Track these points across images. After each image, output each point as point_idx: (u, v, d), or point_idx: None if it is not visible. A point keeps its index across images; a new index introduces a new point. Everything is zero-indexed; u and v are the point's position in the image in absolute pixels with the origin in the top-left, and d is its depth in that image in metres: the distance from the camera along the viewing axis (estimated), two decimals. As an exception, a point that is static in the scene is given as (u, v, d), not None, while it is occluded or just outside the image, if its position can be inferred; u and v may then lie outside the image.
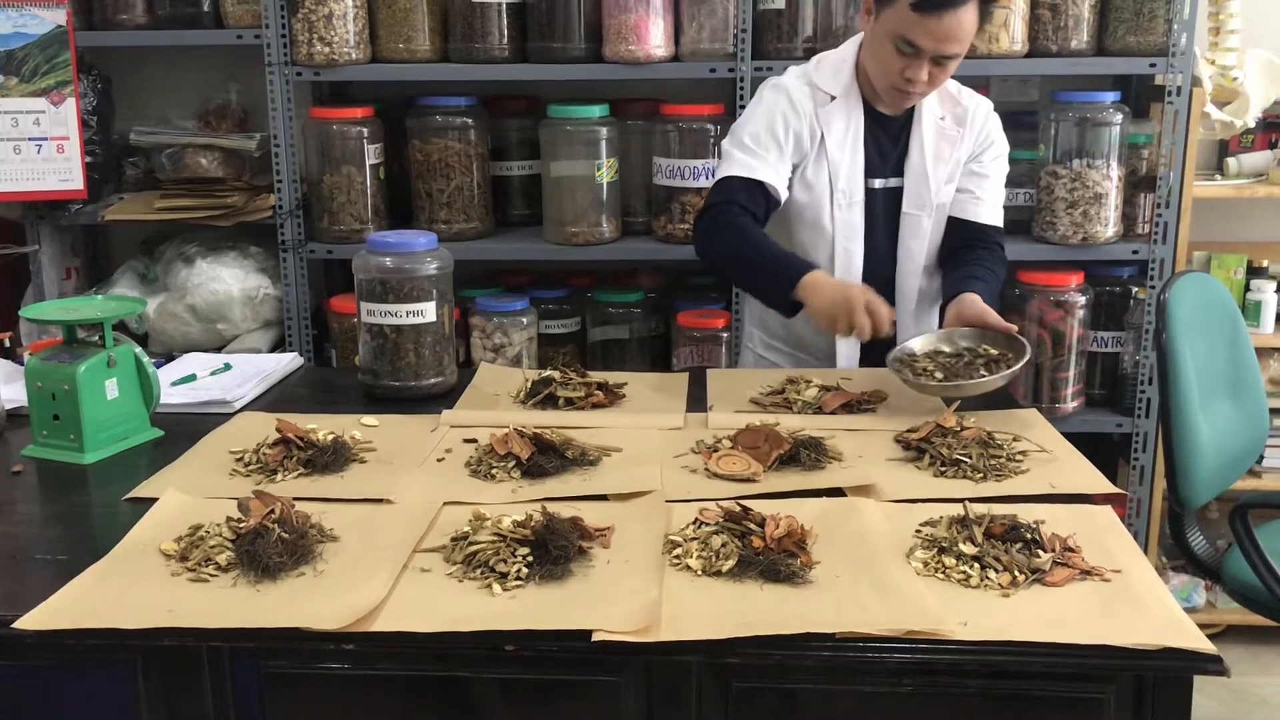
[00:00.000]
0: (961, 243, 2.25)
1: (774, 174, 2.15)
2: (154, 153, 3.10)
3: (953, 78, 2.20)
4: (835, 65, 2.21)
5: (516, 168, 3.19)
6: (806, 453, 1.72)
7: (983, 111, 2.27)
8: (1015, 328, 2.01)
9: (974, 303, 2.06)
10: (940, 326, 2.18)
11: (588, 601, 1.32)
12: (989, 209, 2.28)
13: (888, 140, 2.22)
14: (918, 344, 2.06)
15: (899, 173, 2.23)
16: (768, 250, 2.08)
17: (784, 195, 2.18)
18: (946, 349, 2.05)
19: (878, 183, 2.22)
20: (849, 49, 2.23)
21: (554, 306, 3.10)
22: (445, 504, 1.59)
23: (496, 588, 1.34)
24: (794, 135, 2.16)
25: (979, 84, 3.15)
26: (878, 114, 2.21)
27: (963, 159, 2.25)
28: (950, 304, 2.11)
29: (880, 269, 2.24)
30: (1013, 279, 3.03)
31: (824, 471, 1.70)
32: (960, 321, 2.05)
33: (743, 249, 2.09)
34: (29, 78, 2.91)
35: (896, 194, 2.23)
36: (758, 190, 2.14)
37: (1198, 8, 2.82)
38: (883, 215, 2.24)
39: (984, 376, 1.92)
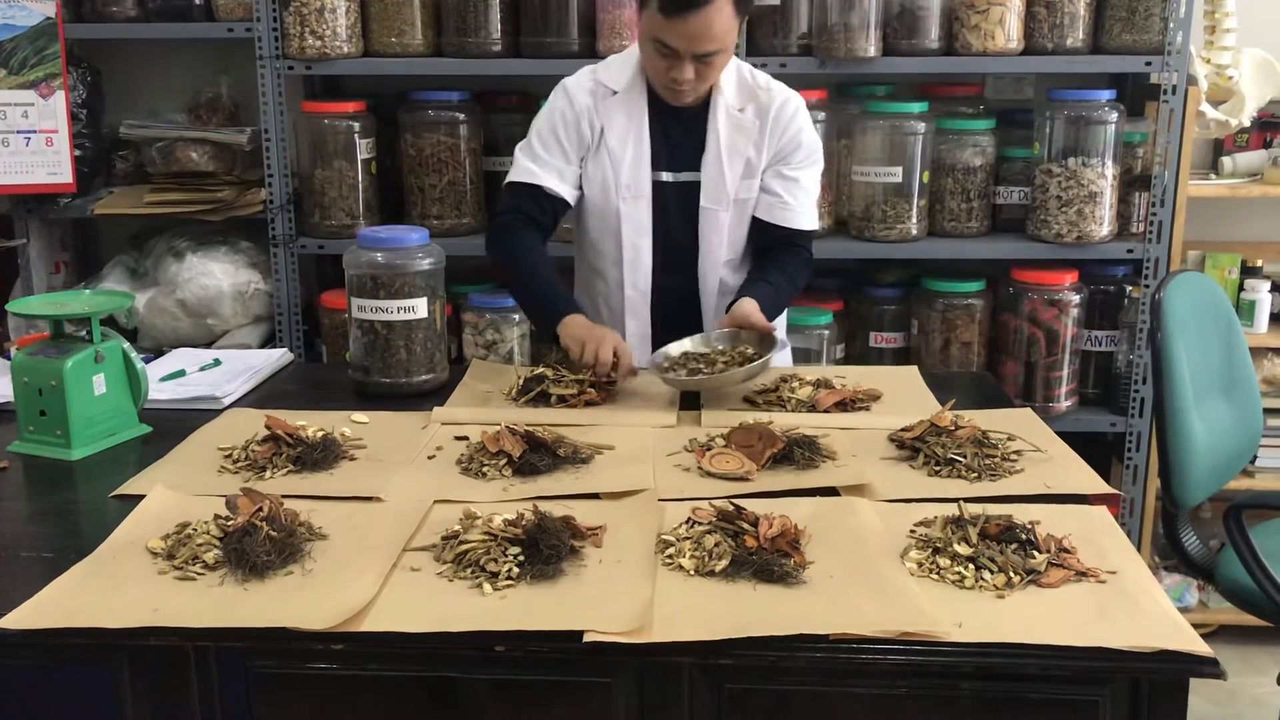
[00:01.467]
0: (770, 244, 2.25)
1: (557, 178, 2.19)
2: (144, 146, 3.08)
3: (774, 74, 2.23)
4: (622, 60, 2.22)
5: (509, 163, 3.16)
6: (800, 451, 1.71)
7: (790, 108, 2.21)
8: (773, 328, 2.06)
9: (742, 305, 2.08)
10: None
11: (579, 601, 1.30)
12: (797, 213, 2.24)
13: (679, 133, 2.20)
14: (674, 348, 2.11)
15: (694, 166, 2.20)
16: (537, 279, 2.16)
17: (572, 196, 2.21)
18: (704, 349, 2.10)
19: (667, 176, 2.21)
20: (637, 46, 2.20)
21: (546, 303, 3.08)
22: (436, 502, 1.58)
23: (487, 587, 1.33)
24: (575, 133, 2.18)
25: (974, 81, 3.16)
26: (670, 107, 2.17)
27: (765, 154, 2.20)
28: (730, 305, 2.14)
29: (678, 263, 2.24)
30: (1007, 277, 3.03)
31: (818, 471, 1.69)
32: (729, 324, 2.09)
33: (518, 270, 2.18)
34: (17, 70, 2.89)
35: (693, 188, 2.21)
36: (542, 196, 2.18)
37: (1193, 7, 2.81)
38: (678, 209, 2.22)
39: (722, 372, 1.99)
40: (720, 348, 2.09)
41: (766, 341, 2.05)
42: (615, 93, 2.18)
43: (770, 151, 2.21)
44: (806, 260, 2.28)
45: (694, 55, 2.03)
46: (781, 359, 2.32)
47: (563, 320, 2.06)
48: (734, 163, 2.19)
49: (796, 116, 2.22)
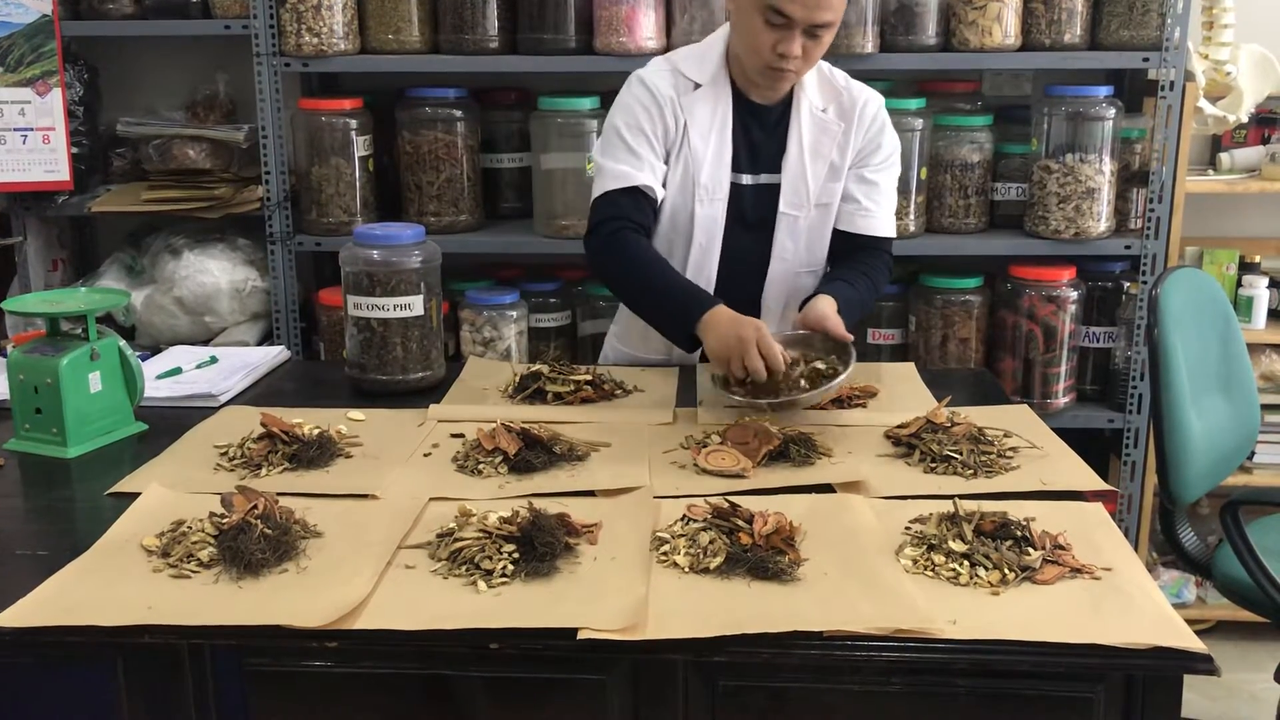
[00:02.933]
0: (848, 252, 2.15)
1: (651, 175, 2.04)
2: (141, 144, 3.08)
3: (849, 74, 2.14)
4: (701, 52, 2.10)
5: (507, 160, 3.17)
6: (796, 449, 1.71)
7: (872, 106, 2.13)
8: (850, 337, 1.92)
9: (818, 305, 1.96)
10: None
11: (574, 599, 1.30)
12: (878, 220, 2.15)
13: (761, 134, 2.09)
14: None
15: (774, 168, 2.10)
16: (666, 281, 1.98)
17: (663, 193, 2.08)
18: None
19: (747, 179, 2.10)
20: (716, 37, 2.11)
21: (544, 300, 3.09)
22: (431, 499, 1.58)
23: (482, 585, 1.33)
24: (661, 126, 2.06)
25: (971, 77, 3.16)
26: (751, 105, 2.08)
27: (848, 155, 2.12)
28: (805, 303, 2.01)
29: (745, 271, 2.13)
30: (1005, 273, 3.03)
31: (813, 467, 1.69)
32: (802, 324, 1.97)
33: (640, 278, 2.00)
34: (14, 67, 2.89)
35: (772, 191, 2.11)
36: (642, 198, 2.04)
37: (1191, 2, 2.80)
38: (754, 213, 2.11)
39: (799, 393, 1.84)
40: (792, 354, 1.90)
41: (841, 352, 1.90)
42: (698, 86, 2.06)
43: (853, 152, 2.12)
44: (888, 265, 2.17)
45: (809, 26, 1.91)
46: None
47: (701, 320, 1.89)
48: (817, 165, 2.09)
49: (879, 116, 2.13)
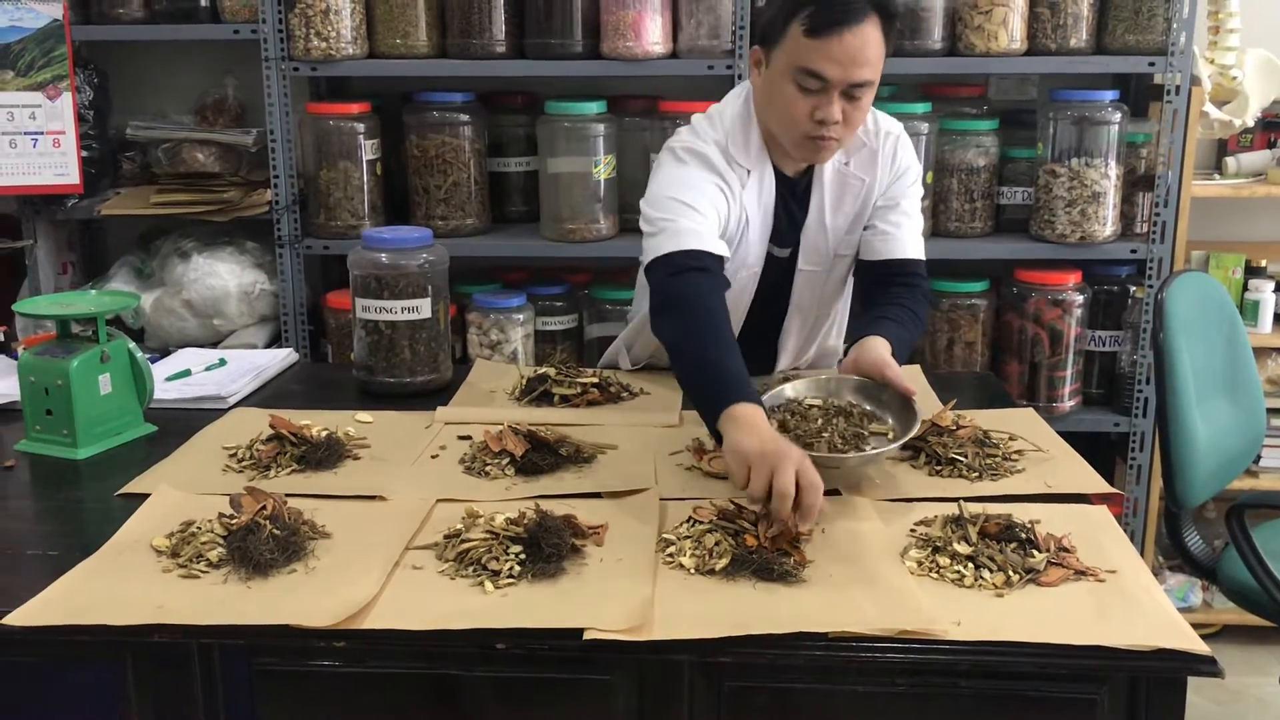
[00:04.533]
0: (877, 281, 2.03)
1: (720, 244, 1.85)
2: (150, 147, 3.09)
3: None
4: (743, 134, 1.93)
5: (514, 164, 3.18)
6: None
7: (890, 143, 2.00)
8: (914, 391, 1.72)
9: (874, 349, 1.79)
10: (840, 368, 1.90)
11: (580, 600, 1.31)
12: (901, 241, 2.02)
13: (795, 203, 1.99)
14: (792, 389, 1.77)
15: (798, 232, 2.01)
16: (718, 356, 1.66)
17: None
18: (820, 402, 1.75)
19: (780, 251, 2.02)
20: (745, 108, 1.95)
21: (551, 303, 3.09)
22: (438, 501, 1.59)
23: (489, 585, 1.34)
24: (727, 210, 1.91)
25: (977, 82, 3.16)
26: (785, 178, 1.97)
27: (871, 204, 2.01)
28: (853, 346, 1.86)
29: (765, 322, 2.07)
30: (1011, 277, 3.03)
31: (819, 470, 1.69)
32: (856, 369, 1.79)
33: (695, 344, 1.70)
34: (25, 71, 2.90)
35: (794, 253, 2.04)
36: (719, 263, 1.83)
37: (1197, 7, 2.81)
38: (777, 275, 2.04)
39: (843, 453, 1.60)
40: (850, 399, 1.72)
41: (903, 409, 1.69)
42: (749, 172, 1.93)
43: (878, 195, 2.01)
44: (926, 293, 2.02)
45: (848, 86, 1.78)
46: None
47: (729, 412, 1.55)
48: (837, 220, 2.00)
49: (898, 147, 2.01)
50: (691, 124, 2.00)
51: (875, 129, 2.00)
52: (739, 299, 2.01)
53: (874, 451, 1.60)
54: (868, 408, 1.75)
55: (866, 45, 1.76)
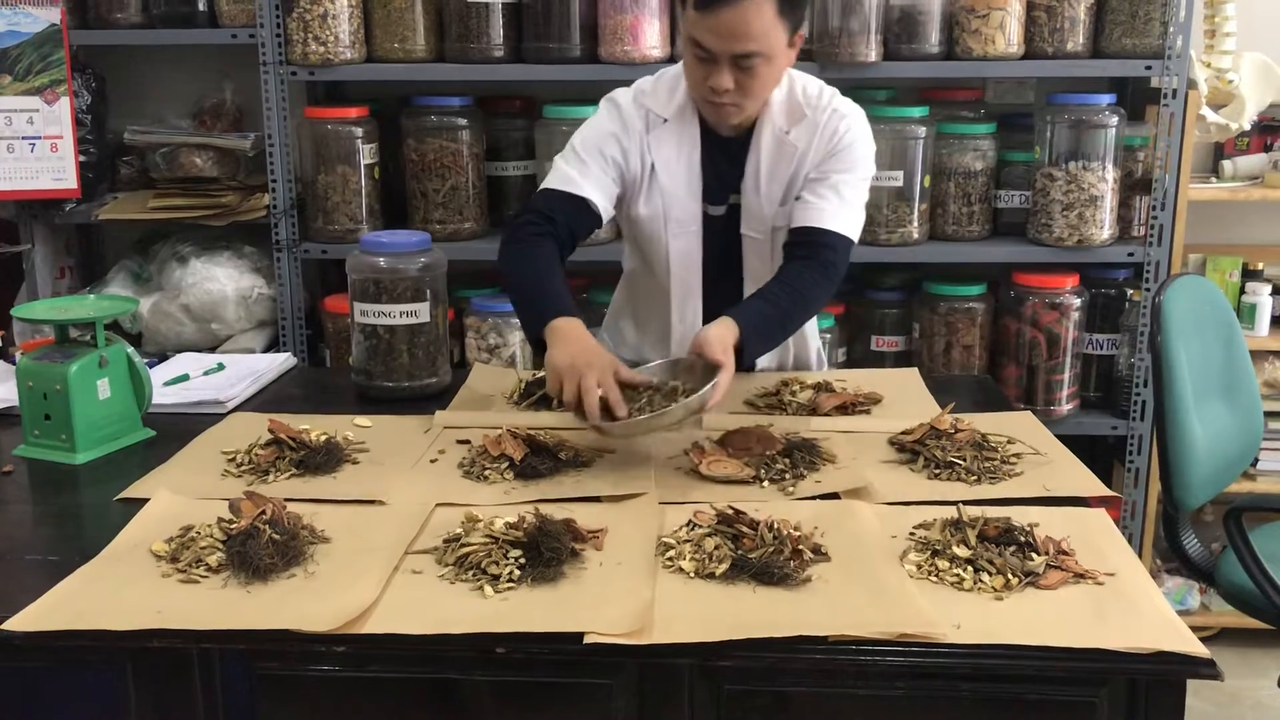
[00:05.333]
0: (785, 249, 2.03)
1: (597, 190, 1.98)
2: (148, 152, 3.10)
3: (838, 85, 2.05)
4: (670, 84, 2.05)
5: (512, 168, 3.18)
6: (800, 455, 1.72)
7: (835, 120, 2.02)
8: (721, 360, 1.74)
9: (709, 330, 1.80)
10: None
11: (580, 604, 1.31)
12: (819, 211, 1.99)
13: (726, 163, 2.05)
14: (645, 371, 1.85)
15: (737, 191, 2.06)
16: (537, 280, 1.87)
17: (607, 214, 2.02)
18: (655, 381, 1.81)
19: (716, 209, 2.07)
20: (680, 66, 2.04)
21: (549, 307, 3.09)
22: (437, 505, 1.59)
23: (488, 590, 1.34)
24: (624, 155, 2.01)
25: (974, 85, 3.17)
26: (718, 137, 2.04)
27: (802, 177, 2.03)
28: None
29: (725, 291, 2.08)
30: (1008, 281, 3.03)
31: (818, 473, 1.70)
32: (693, 350, 1.83)
33: (518, 270, 1.91)
34: (23, 76, 2.90)
35: (736, 214, 2.07)
36: (581, 207, 1.97)
37: (1193, 10, 2.82)
38: (723, 239, 2.08)
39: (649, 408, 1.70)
40: (671, 383, 1.80)
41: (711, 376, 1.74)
42: (665, 120, 2.03)
43: (810, 168, 2.03)
44: (827, 265, 1.97)
45: (732, 58, 1.86)
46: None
47: (550, 325, 1.76)
48: (772, 188, 2.04)
49: (840, 125, 2.02)
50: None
51: (823, 104, 2.04)
52: (688, 261, 2.08)
53: (643, 418, 1.66)
54: (682, 382, 1.79)
55: (748, 20, 1.83)
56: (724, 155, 2.06)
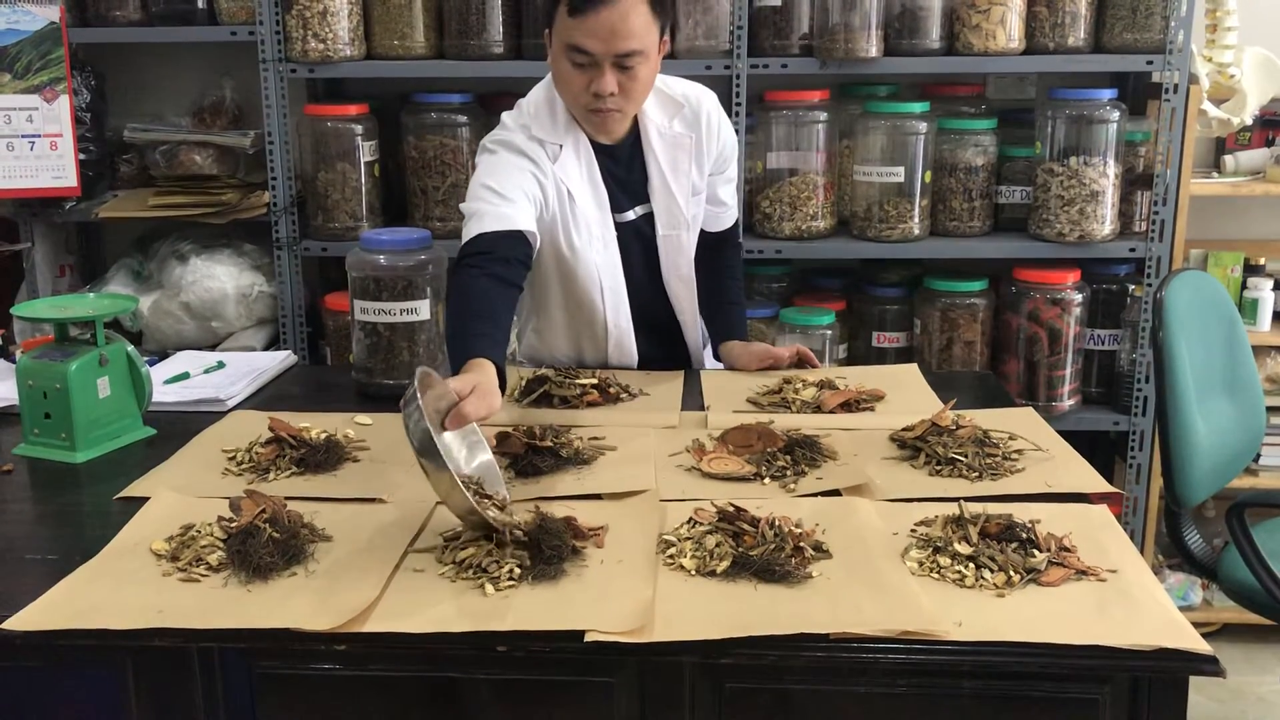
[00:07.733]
0: (713, 245, 2.27)
1: (530, 223, 1.93)
2: (148, 150, 3.09)
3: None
4: (548, 113, 2.04)
5: (512, 165, 3.18)
6: (801, 452, 1.72)
7: (708, 102, 2.12)
8: (789, 357, 2.18)
9: (736, 354, 2.22)
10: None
11: (581, 602, 1.31)
12: (732, 211, 2.30)
13: (621, 169, 2.10)
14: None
15: (644, 198, 2.12)
16: (465, 319, 1.79)
17: (536, 249, 1.98)
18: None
19: (628, 215, 2.12)
20: (547, 90, 2.06)
21: (549, 304, 3.09)
22: (438, 503, 1.58)
23: (489, 588, 1.34)
24: (542, 190, 2.00)
25: (975, 81, 3.16)
26: (603, 146, 2.07)
27: (706, 167, 2.14)
28: (723, 352, 2.26)
29: (650, 289, 2.18)
30: (1009, 276, 3.03)
31: (819, 470, 1.69)
32: (741, 366, 2.19)
33: (455, 310, 1.83)
34: (22, 74, 2.90)
35: (649, 219, 2.14)
36: (519, 238, 1.90)
37: (1195, 5, 2.81)
38: (639, 243, 2.14)
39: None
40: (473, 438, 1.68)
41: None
42: (561, 147, 2.03)
43: (710, 160, 2.15)
44: (739, 246, 2.39)
45: (614, 58, 1.89)
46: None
47: (467, 364, 1.68)
48: (680, 184, 2.11)
49: (717, 116, 2.14)
50: (501, 120, 2.10)
51: (686, 93, 2.12)
52: (612, 271, 2.13)
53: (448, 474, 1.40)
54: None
55: (626, 18, 1.87)
56: (617, 164, 2.10)
